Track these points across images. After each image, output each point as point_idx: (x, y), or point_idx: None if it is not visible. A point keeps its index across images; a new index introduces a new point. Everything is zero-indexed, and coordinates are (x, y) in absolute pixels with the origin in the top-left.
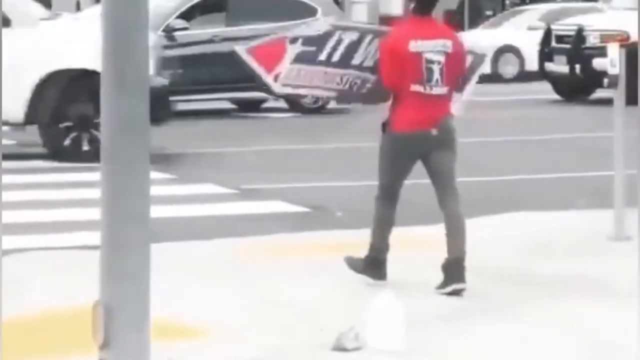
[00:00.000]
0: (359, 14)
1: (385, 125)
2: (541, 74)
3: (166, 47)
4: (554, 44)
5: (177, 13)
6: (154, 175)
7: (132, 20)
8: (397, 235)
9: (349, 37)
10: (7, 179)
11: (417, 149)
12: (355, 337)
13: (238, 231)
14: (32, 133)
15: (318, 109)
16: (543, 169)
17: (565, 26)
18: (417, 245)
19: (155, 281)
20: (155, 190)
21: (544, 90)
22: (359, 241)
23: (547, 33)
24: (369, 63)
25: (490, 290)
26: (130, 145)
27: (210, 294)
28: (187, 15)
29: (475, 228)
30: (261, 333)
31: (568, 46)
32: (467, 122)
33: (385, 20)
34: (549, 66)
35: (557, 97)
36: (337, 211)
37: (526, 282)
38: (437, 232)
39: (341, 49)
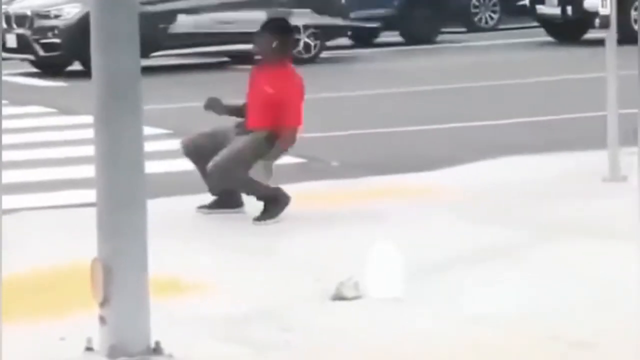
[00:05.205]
0: None
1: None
2: (533, 16)
3: (158, 1)
4: None
5: None
6: (149, 130)
7: None
8: (395, 183)
9: None
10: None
11: None
12: (354, 286)
13: None
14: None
15: (311, 58)
16: (536, 112)
17: None
18: (412, 193)
19: (152, 238)
20: (150, 146)
21: (536, 32)
22: (353, 190)
23: None
24: None
25: (487, 236)
26: (122, 102)
27: (208, 249)
28: None
29: (471, 173)
30: (260, 286)
31: None
32: (459, 67)
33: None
34: (541, 8)
35: (549, 39)
36: (332, 161)
37: (524, 226)
38: (434, 180)
39: None
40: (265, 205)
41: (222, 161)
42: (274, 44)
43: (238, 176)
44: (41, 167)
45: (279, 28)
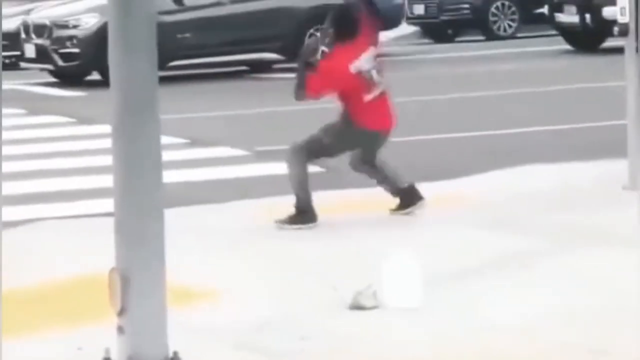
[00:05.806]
0: None
1: None
2: (551, 25)
3: (175, 11)
4: None
5: None
6: (167, 139)
7: None
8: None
9: None
10: (14, 149)
11: None
12: (372, 296)
13: (253, 193)
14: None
15: None
16: (557, 120)
17: None
18: (430, 202)
19: (170, 246)
20: (168, 155)
21: (555, 41)
22: (371, 199)
23: None
24: None
25: (506, 244)
26: (140, 110)
27: (224, 257)
28: None
29: (490, 182)
30: (276, 294)
31: None
32: (476, 76)
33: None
34: (559, 16)
35: (568, 47)
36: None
37: (542, 234)
38: (452, 189)
39: None
40: (294, 213)
41: (298, 141)
42: (332, 35)
43: (298, 160)
44: (60, 177)
45: (334, 18)
